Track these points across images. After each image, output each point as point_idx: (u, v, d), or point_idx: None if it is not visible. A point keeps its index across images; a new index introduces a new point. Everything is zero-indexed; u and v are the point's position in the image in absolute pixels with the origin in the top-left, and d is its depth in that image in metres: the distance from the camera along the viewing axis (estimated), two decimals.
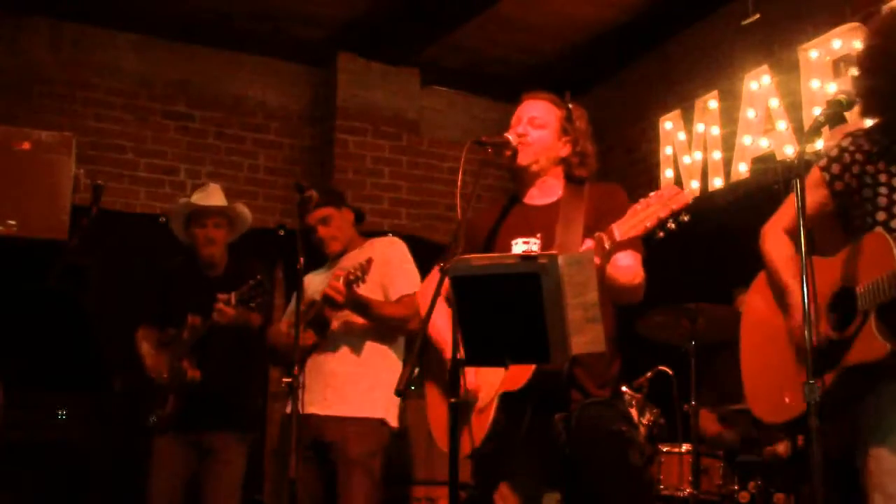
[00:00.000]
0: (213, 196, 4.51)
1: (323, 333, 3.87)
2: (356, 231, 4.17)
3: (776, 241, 2.79)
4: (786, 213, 2.79)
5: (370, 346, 3.89)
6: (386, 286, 3.92)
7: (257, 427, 4.41)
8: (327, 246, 4.09)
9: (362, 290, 3.77)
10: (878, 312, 2.47)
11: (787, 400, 2.67)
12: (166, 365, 4.25)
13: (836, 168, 2.71)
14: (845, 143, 2.74)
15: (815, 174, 2.74)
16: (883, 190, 2.60)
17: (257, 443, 6.02)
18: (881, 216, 2.59)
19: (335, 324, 3.88)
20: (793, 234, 2.67)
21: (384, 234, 4.48)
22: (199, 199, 4.49)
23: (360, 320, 3.86)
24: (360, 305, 3.78)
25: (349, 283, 3.67)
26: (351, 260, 3.96)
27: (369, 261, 3.73)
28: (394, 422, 3.90)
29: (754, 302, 2.95)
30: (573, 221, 2.84)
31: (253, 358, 4.38)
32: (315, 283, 4.00)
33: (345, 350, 3.87)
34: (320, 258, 4.19)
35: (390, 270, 3.94)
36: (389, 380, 3.86)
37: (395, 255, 4.01)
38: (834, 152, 2.74)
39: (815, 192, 2.68)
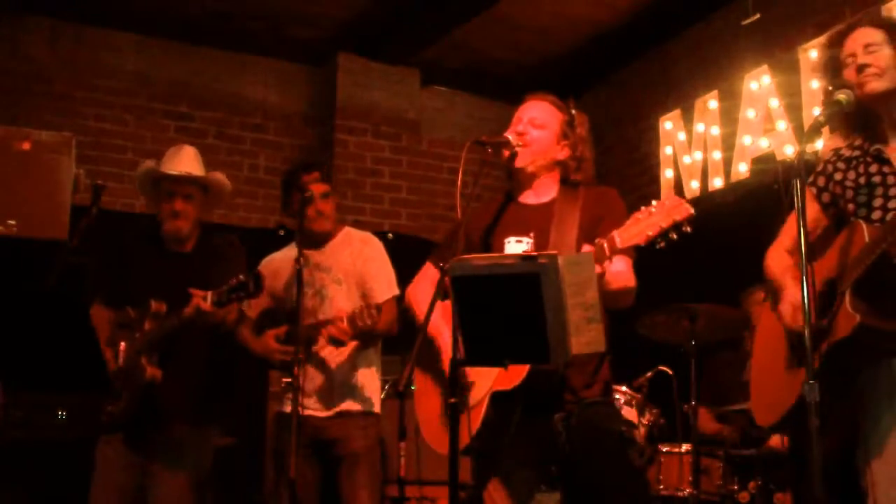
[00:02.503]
0: (185, 161, 3.81)
1: (309, 349, 3.86)
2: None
3: (777, 256, 2.87)
4: (786, 233, 2.88)
5: (357, 351, 3.90)
6: (368, 289, 3.92)
7: (217, 433, 3.93)
8: (319, 221, 3.93)
9: (341, 295, 3.82)
10: (852, 288, 2.53)
11: (776, 399, 2.70)
12: (122, 351, 3.66)
13: (821, 181, 2.81)
14: (829, 156, 2.84)
15: (805, 191, 2.79)
16: (863, 190, 2.68)
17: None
18: (862, 213, 2.67)
19: (321, 340, 3.85)
20: (793, 251, 2.77)
21: (379, 233, 4.40)
22: (167, 164, 3.80)
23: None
24: (362, 337, 3.79)
25: (356, 327, 3.65)
26: (331, 257, 3.95)
27: (379, 308, 3.68)
28: (380, 410, 3.96)
29: (761, 328, 3.00)
30: (567, 222, 2.85)
31: (223, 357, 3.87)
32: (284, 266, 3.90)
33: (335, 359, 3.88)
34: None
35: (371, 272, 3.94)
36: (374, 375, 3.94)
37: (375, 255, 4.00)
38: (819, 167, 2.84)
39: (808, 209, 2.73)
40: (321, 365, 3.87)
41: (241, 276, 3.46)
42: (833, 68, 2.76)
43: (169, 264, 3.79)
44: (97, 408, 3.68)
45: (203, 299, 3.50)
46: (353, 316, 3.63)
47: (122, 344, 3.67)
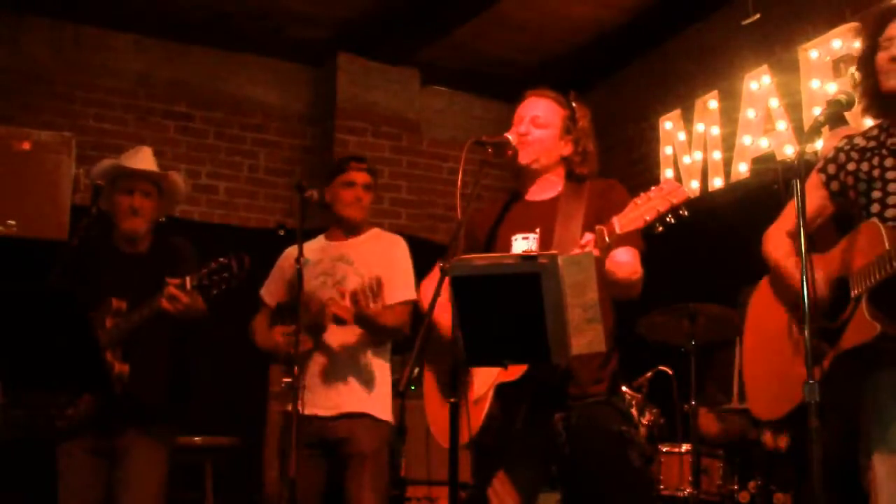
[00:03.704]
0: (143, 160, 3.84)
1: (318, 338, 3.86)
2: None
3: (777, 241, 2.83)
4: (787, 216, 2.83)
5: (366, 348, 3.90)
6: (385, 289, 3.92)
7: (180, 429, 3.85)
8: (355, 207, 3.97)
9: (359, 287, 3.81)
10: (869, 296, 2.50)
11: (782, 394, 2.69)
12: None
13: (831, 168, 2.75)
14: (841, 143, 2.78)
15: (813, 177, 2.78)
16: (877, 184, 2.63)
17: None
18: (875, 208, 2.62)
19: (330, 329, 3.86)
20: (794, 236, 2.70)
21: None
22: (128, 161, 3.81)
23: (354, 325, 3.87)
24: (364, 321, 3.79)
25: (358, 306, 3.69)
26: (356, 250, 3.96)
27: (379, 283, 3.79)
28: (391, 418, 3.94)
29: (756, 306, 2.98)
30: (572, 216, 2.85)
31: (185, 348, 3.77)
32: (313, 256, 3.92)
33: (344, 353, 3.87)
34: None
35: (392, 275, 3.94)
36: (385, 379, 3.93)
37: (399, 258, 4.00)
38: (830, 154, 2.78)
39: (814, 195, 2.72)
40: (327, 369, 3.85)
41: (221, 259, 3.37)
42: (868, 49, 2.67)
43: (124, 265, 3.72)
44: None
45: (180, 286, 3.40)
46: (356, 292, 3.64)
47: None
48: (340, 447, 3.81)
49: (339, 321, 3.72)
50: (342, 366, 3.86)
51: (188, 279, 3.41)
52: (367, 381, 3.86)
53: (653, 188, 2.52)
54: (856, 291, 2.54)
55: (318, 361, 3.86)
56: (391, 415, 3.93)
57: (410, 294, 3.89)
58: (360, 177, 4.01)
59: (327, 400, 3.83)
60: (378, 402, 3.87)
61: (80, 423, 3.56)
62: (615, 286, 2.77)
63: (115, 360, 3.49)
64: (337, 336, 3.86)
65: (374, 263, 3.94)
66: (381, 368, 3.92)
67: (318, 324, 3.80)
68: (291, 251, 4.06)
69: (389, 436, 3.92)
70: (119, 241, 3.78)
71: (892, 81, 2.59)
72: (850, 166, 2.70)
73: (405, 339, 3.92)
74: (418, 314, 3.82)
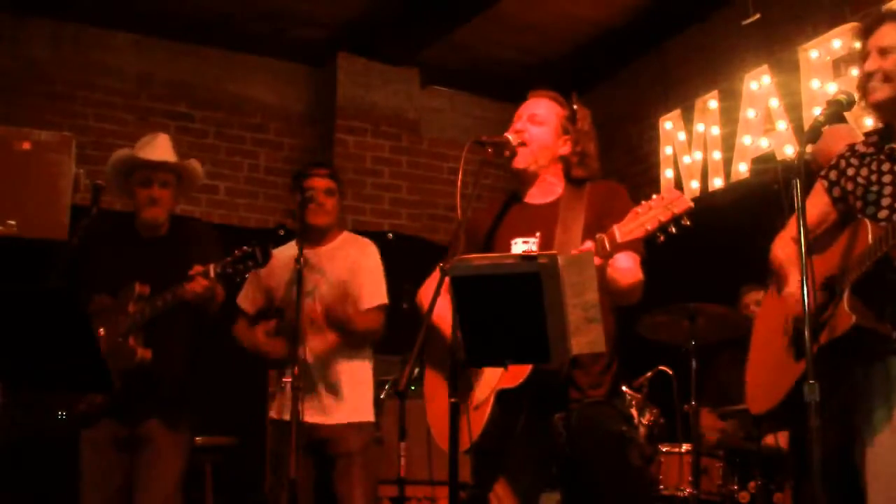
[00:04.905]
0: (160, 148, 3.81)
1: (296, 345, 3.87)
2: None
3: (783, 245, 2.87)
4: (794, 224, 2.85)
5: (343, 352, 3.94)
6: (355, 295, 3.96)
7: (199, 416, 3.85)
8: (319, 214, 3.99)
9: (332, 298, 3.90)
10: (851, 288, 2.53)
11: (772, 385, 2.71)
12: (103, 338, 3.50)
13: (833, 175, 2.81)
14: (844, 151, 2.83)
15: (816, 184, 2.84)
16: (873, 188, 2.68)
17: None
18: (870, 210, 2.67)
19: (309, 334, 3.89)
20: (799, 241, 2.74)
21: (379, 233, 4.44)
22: (143, 151, 3.79)
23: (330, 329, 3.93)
24: (336, 324, 3.88)
25: (326, 312, 3.81)
26: (327, 259, 3.99)
27: (346, 288, 3.87)
28: (373, 417, 4.00)
29: (762, 312, 3.04)
30: (573, 220, 2.84)
31: (203, 337, 3.81)
32: (281, 264, 3.92)
33: (322, 359, 3.91)
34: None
35: (363, 281, 3.98)
36: (366, 381, 4.00)
37: (370, 263, 4.03)
38: (833, 161, 2.83)
39: (818, 201, 2.78)
40: (309, 365, 3.88)
41: (245, 248, 3.40)
42: (861, 58, 2.74)
43: (144, 250, 3.76)
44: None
45: (203, 274, 3.43)
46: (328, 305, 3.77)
47: (101, 330, 3.58)
48: (327, 447, 3.85)
49: (313, 324, 3.81)
50: (322, 372, 3.90)
51: (212, 267, 3.43)
52: (348, 386, 3.91)
53: (654, 196, 2.51)
54: (841, 286, 2.58)
55: (298, 368, 3.87)
56: (373, 415, 3.98)
57: (382, 299, 3.97)
58: (320, 183, 4.02)
59: (311, 406, 3.84)
60: (360, 406, 3.93)
61: (100, 407, 3.56)
62: (617, 293, 2.78)
63: (136, 346, 3.51)
64: (314, 343, 3.89)
65: (345, 271, 3.97)
66: (360, 372, 3.97)
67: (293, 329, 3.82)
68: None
69: (374, 433, 4.00)
70: (139, 227, 3.81)
71: (872, 96, 2.67)
72: (850, 171, 2.75)
73: (395, 338, 3.95)
74: (393, 316, 3.90)
